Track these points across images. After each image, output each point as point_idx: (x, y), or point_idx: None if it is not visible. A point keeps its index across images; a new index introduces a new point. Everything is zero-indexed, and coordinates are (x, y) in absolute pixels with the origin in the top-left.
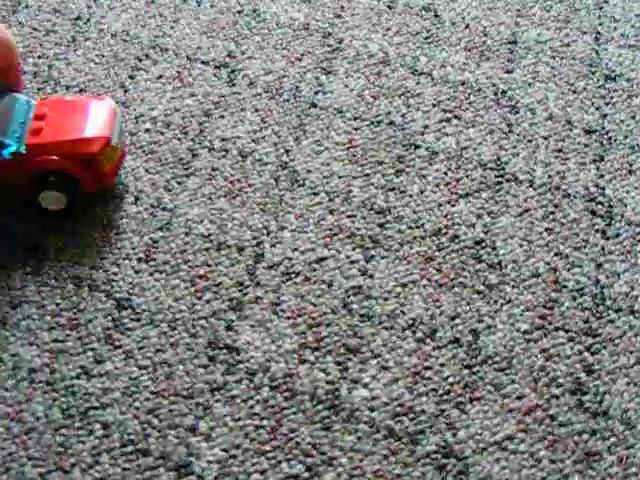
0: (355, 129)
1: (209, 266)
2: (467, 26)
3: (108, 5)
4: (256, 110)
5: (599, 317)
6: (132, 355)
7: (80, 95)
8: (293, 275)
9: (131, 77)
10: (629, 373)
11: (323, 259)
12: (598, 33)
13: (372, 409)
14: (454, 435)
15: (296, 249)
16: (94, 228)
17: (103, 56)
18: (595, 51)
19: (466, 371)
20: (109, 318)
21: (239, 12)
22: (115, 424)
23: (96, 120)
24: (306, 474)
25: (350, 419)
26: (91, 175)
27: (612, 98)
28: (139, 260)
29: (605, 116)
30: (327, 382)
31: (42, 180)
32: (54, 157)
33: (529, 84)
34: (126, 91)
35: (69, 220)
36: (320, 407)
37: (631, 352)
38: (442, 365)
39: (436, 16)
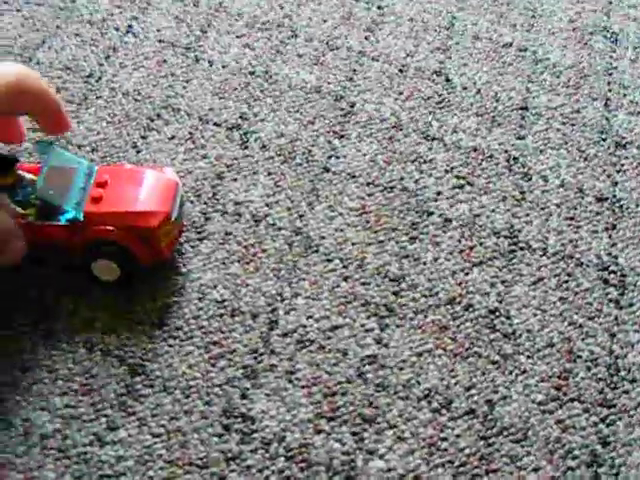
0: (368, 195)
1: (223, 332)
2: (478, 91)
3: (120, 63)
4: (269, 174)
5: (614, 388)
6: (146, 422)
7: (142, 165)
8: (307, 343)
9: (143, 137)
10: None
11: (337, 327)
12: (608, 99)
13: None
14: None
15: (310, 316)
16: (107, 291)
17: (115, 115)
18: (605, 118)
19: (482, 442)
20: (122, 384)
21: (251, 73)
22: None
23: (157, 193)
24: None
25: None
26: (147, 249)
27: (623, 165)
28: (152, 325)
29: (616, 184)
30: (343, 453)
31: (97, 248)
32: (111, 228)
33: (541, 151)
34: (138, 151)
35: (98, 288)
36: (336, 478)
37: None
38: (458, 436)
39: (447, 80)
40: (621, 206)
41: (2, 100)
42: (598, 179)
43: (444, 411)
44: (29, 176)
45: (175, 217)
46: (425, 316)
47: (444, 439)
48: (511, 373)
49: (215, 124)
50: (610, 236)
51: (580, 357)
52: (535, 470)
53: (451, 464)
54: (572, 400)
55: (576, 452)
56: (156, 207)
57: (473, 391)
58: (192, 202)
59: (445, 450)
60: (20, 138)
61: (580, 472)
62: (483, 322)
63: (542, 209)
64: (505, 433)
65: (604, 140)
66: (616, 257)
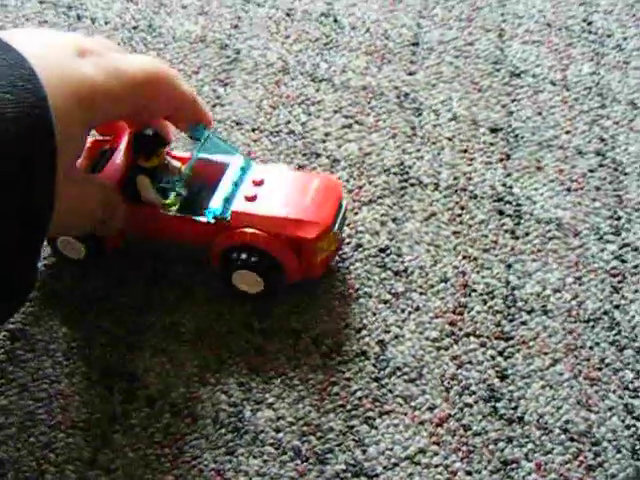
0: (254, 141)
1: (104, 291)
2: (368, 30)
3: (0, 27)
4: None
5: (511, 320)
6: (27, 388)
7: (309, 172)
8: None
9: None
10: (544, 376)
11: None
12: (502, 30)
13: (278, 430)
14: (364, 452)
15: None
16: None
17: None
18: (500, 48)
19: (374, 384)
20: (2, 351)
21: (134, 28)
22: (10, 462)
23: (320, 201)
24: None
25: (255, 442)
26: (300, 263)
27: (518, 95)
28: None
29: (511, 113)
30: (230, 404)
31: (241, 255)
32: (262, 234)
33: (432, 85)
34: None
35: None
36: (223, 431)
37: (545, 353)
38: (349, 380)
39: (335, 21)
40: (516, 135)
41: (125, 101)
42: (492, 110)
43: (334, 355)
44: (176, 163)
45: (336, 231)
46: None
47: (335, 383)
48: (403, 311)
49: None
50: (505, 166)
51: (475, 290)
52: (430, 409)
53: (342, 408)
54: (468, 335)
55: (473, 388)
56: (318, 217)
57: (364, 332)
58: None
59: (336, 395)
60: (166, 136)
61: (478, 407)
62: (373, 261)
63: (434, 143)
64: (398, 373)
65: (498, 71)
66: (511, 187)
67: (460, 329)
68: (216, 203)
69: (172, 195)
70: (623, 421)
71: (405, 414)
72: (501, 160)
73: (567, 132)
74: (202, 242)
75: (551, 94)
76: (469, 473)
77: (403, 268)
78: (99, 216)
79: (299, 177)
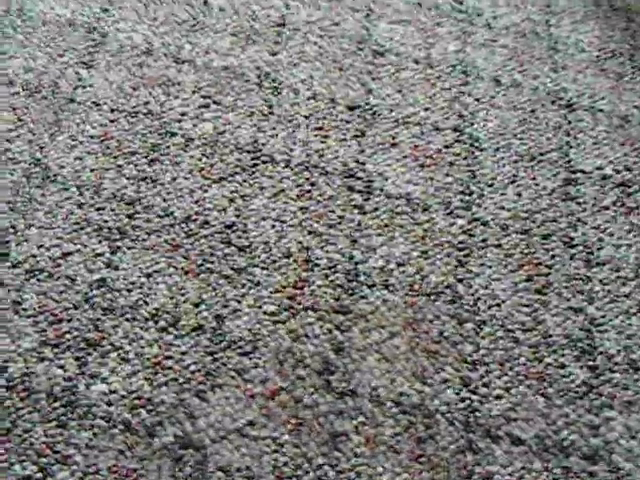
0: (111, 121)
1: None
2: (236, 12)
3: None
4: (13, 109)
5: (351, 294)
6: None
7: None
8: (37, 272)
9: None
10: (380, 349)
11: (68, 254)
12: (370, 10)
13: (109, 403)
14: (193, 425)
15: (42, 246)
16: None
17: None
18: (365, 28)
19: (208, 358)
20: None
21: (5, 12)
22: None
23: None
24: (39, 475)
25: (87, 415)
26: None
27: (379, 73)
28: None
29: (370, 91)
30: (65, 379)
31: None
32: None
33: (294, 65)
34: None
35: None
36: (57, 404)
37: (383, 327)
38: (184, 353)
39: (205, 3)
40: (373, 113)
41: None
42: (352, 88)
43: (171, 329)
44: None
45: None
46: (158, 236)
47: (169, 357)
48: (243, 286)
49: None
50: (359, 143)
51: (318, 265)
52: (263, 382)
53: (175, 381)
54: (306, 309)
55: (307, 361)
56: None
57: (202, 307)
58: None
59: (170, 368)
60: None
61: (311, 381)
62: (218, 238)
63: (290, 122)
64: (233, 347)
65: (361, 50)
66: (364, 163)
67: (299, 303)
68: None
69: None
70: (458, 394)
71: (237, 387)
72: (356, 137)
73: (426, 109)
74: None
75: (413, 72)
76: (297, 446)
77: (247, 244)
78: None
79: None
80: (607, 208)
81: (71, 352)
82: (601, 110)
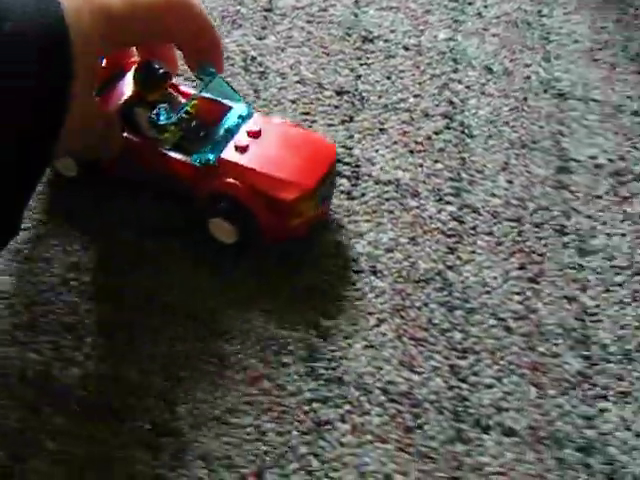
0: None
1: None
2: None
3: None
4: None
5: (338, 280)
6: None
7: (308, 130)
8: (14, 253)
9: None
10: (367, 336)
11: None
12: None
13: (84, 388)
14: (172, 412)
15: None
16: None
17: None
18: (354, 14)
19: (199, 344)
20: None
21: None
22: None
23: (309, 163)
24: (9, 462)
25: (60, 400)
26: (275, 223)
27: (368, 59)
28: None
29: (359, 77)
30: (38, 363)
31: (218, 203)
32: (241, 185)
33: (282, 50)
34: None
35: None
36: (30, 389)
37: (370, 314)
38: (173, 339)
39: None
40: (362, 98)
41: (158, 18)
42: (340, 74)
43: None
44: (182, 100)
45: (319, 197)
46: None
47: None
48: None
49: None
50: (347, 128)
51: None
52: (245, 369)
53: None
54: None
55: (291, 347)
56: (301, 178)
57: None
58: None
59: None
60: (172, 69)
61: (295, 368)
62: None
63: (276, 106)
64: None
65: (350, 36)
66: (351, 149)
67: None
68: (206, 148)
69: (168, 132)
70: (447, 382)
71: (218, 373)
72: (344, 122)
73: (415, 95)
74: (189, 184)
75: (403, 59)
76: (280, 434)
77: None
78: (95, 141)
79: (296, 135)
80: (600, 197)
81: (46, 336)
82: (594, 100)
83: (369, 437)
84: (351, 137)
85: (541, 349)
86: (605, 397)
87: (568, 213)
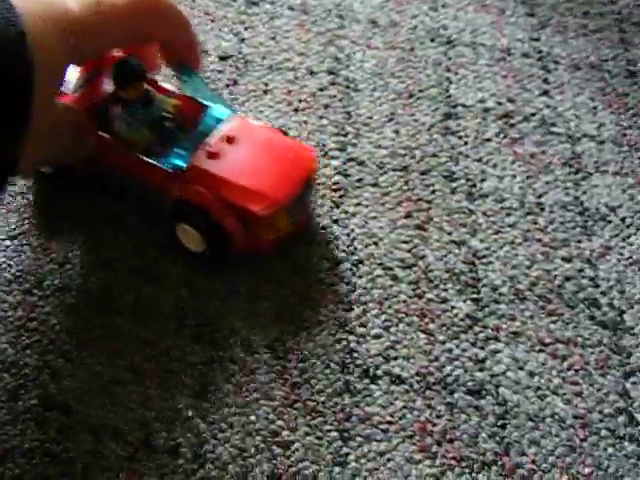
0: None
1: None
2: None
3: None
4: None
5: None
6: None
7: (290, 138)
8: None
9: None
10: (248, 297)
11: None
12: None
13: None
14: (58, 386)
15: None
16: None
17: None
18: None
19: (75, 317)
20: None
21: None
22: None
23: (284, 174)
24: None
25: None
26: (244, 235)
27: (252, 23)
28: None
29: (243, 40)
30: None
31: (184, 210)
32: (210, 194)
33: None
34: None
35: None
36: None
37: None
38: (48, 314)
39: None
40: (246, 61)
41: (124, 22)
42: (224, 39)
43: (35, 291)
44: (161, 97)
45: (291, 212)
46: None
47: (33, 319)
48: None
49: None
50: (231, 92)
51: None
52: (137, 339)
53: (39, 344)
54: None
55: (167, 311)
56: (274, 190)
57: (67, 266)
58: None
59: (34, 330)
60: (152, 68)
61: (181, 332)
62: None
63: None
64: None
65: (235, 1)
66: (236, 111)
67: None
68: (179, 151)
69: (142, 132)
70: (333, 335)
71: (105, 345)
72: (227, 86)
73: (300, 54)
74: (161, 188)
75: (288, 19)
76: (164, 399)
77: None
78: (68, 144)
79: (274, 143)
80: (489, 140)
81: None
82: (482, 44)
83: (255, 395)
84: (235, 99)
85: (429, 295)
86: (496, 338)
87: (456, 158)
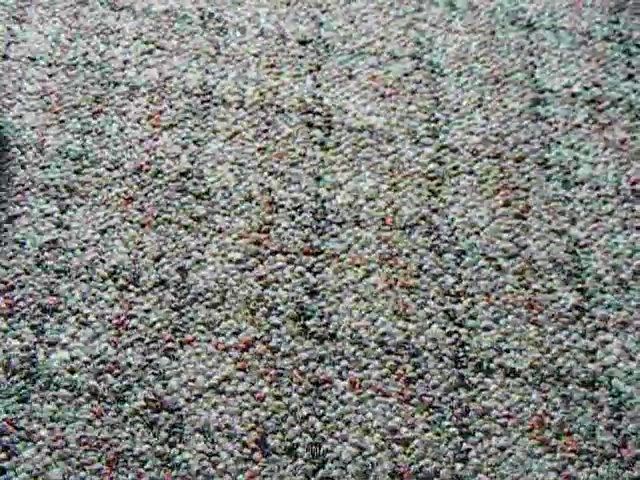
0: (50, 76)
1: None
2: None
3: None
4: None
5: (321, 234)
6: None
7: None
8: None
9: None
10: (357, 289)
11: (15, 217)
12: None
13: (72, 371)
14: (164, 386)
15: None
16: None
17: None
18: None
19: (175, 313)
20: None
21: None
22: None
23: None
24: (2, 455)
25: (49, 386)
26: None
27: (329, 5)
28: None
29: (321, 24)
30: (22, 349)
31: None
32: None
33: (238, 3)
34: None
35: None
36: (16, 377)
37: (358, 265)
38: (148, 311)
39: None
40: (327, 46)
41: None
42: (301, 23)
43: (132, 287)
44: None
45: None
46: (109, 190)
47: (132, 317)
48: (205, 235)
49: None
50: (314, 78)
51: (283, 207)
52: (235, 334)
53: (141, 342)
54: (274, 253)
55: (281, 307)
56: None
57: (163, 260)
58: None
59: (134, 328)
60: None
61: (286, 328)
62: (174, 187)
63: (239, 61)
64: (200, 299)
65: None
66: (321, 98)
67: (266, 247)
68: None
69: None
70: (444, 328)
71: (208, 341)
72: (310, 72)
73: (381, 38)
74: None
75: (364, 2)
76: (278, 397)
77: (205, 190)
78: None
79: None
80: (579, 126)
81: (26, 320)
82: (563, 28)
83: (370, 392)
84: (319, 86)
85: (535, 286)
86: (605, 329)
87: (548, 145)
